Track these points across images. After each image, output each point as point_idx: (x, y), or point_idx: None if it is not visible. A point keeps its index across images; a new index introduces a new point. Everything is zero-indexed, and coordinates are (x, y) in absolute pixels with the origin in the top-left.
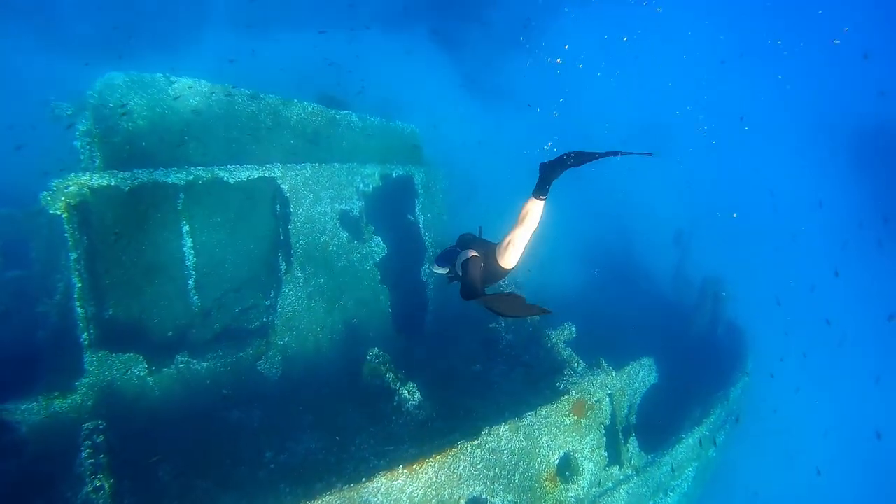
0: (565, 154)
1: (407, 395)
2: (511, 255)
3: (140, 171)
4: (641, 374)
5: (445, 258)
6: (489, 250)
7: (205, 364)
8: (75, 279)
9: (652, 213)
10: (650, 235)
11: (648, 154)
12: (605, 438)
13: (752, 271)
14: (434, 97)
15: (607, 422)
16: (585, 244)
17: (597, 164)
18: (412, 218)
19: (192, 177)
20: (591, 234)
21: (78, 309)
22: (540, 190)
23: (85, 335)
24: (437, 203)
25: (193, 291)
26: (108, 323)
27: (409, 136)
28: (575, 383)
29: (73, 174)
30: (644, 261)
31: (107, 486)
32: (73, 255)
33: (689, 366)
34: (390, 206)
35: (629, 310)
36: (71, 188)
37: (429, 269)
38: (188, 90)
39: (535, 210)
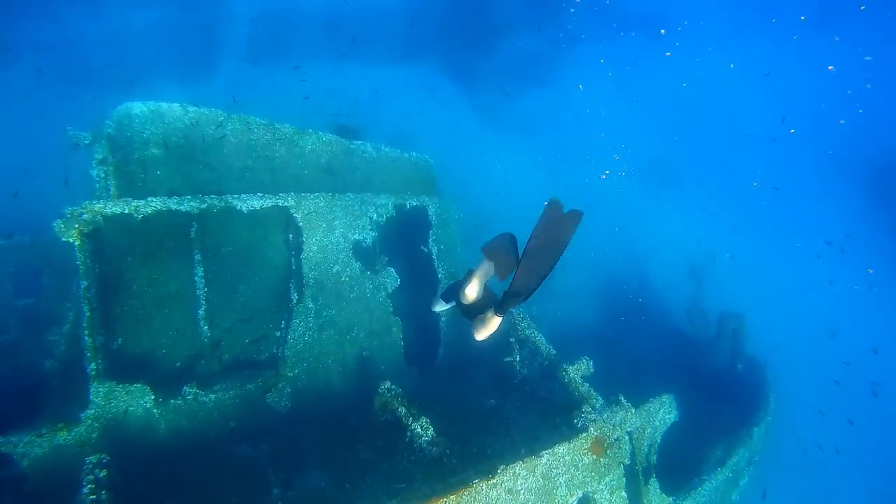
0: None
1: (420, 430)
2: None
3: (153, 200)
4: (662, 412)
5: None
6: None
7: (213, 396)
8: (85, 308)
9: (666, 245)
10: (664, 268)
11: (582, 213)
12: (624, 479)
13: (772, 310)
14: (447, 129)
15: (627, 461)
16: (599, 277)
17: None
18: (425, 249)
19: (205, 205)
20: (605, 266)
21: (86, 338)
22: (500, 309)
23: (93, 365)
24: (451, 234)
25: (203, 321)
26: (116, 353)
27: (423, 167)
28: (593, 420)
29: (86, 202)
30: (659, 294)
31: None
32: (84, 284)
33: (709, 403)
34: (403, 237)
35: (645, 344)
36: (85, 216)
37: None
38: (203, 120)
39: (493, 323)
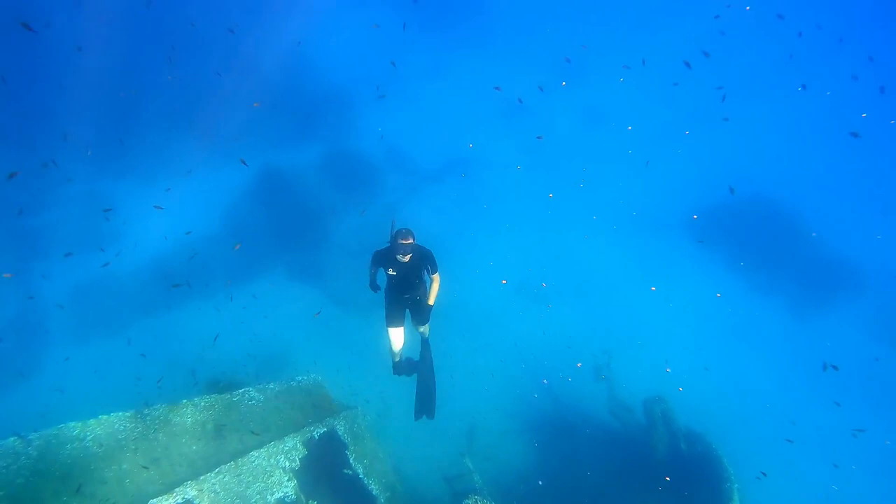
0: None
1: None
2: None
3: None
4: None
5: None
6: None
7: None
8: None
9: (564, 360)
10: (573, 382)
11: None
12: None
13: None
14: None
15: None
16: (520, 419)
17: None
18: (350, 472)
19: None
20: (520, 408)
21: None
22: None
23: None
24: (370, 445)
25: None
26: None
27: (315, 388)
28: None
29: None
30: (580, 408)
31: None
32: None
33: (675, 492)
34: (324, 469)
35: (591, 461)
36: None
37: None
38: (54, 442)
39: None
